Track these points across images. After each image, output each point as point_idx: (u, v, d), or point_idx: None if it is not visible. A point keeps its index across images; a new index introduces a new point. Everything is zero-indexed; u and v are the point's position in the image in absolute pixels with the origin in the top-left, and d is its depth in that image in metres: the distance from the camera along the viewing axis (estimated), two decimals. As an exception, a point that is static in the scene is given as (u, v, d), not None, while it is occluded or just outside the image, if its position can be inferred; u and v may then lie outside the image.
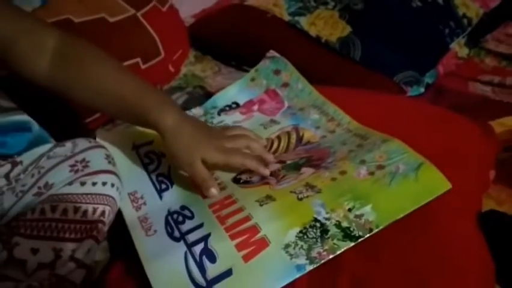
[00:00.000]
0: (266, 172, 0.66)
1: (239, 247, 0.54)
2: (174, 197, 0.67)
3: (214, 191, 0.64)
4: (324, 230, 0.55)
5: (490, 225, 0.64)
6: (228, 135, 0.69)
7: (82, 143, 0.65)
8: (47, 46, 0.65)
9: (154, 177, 0.70)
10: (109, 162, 0.63)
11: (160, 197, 0.67)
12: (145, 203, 0.66)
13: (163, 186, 0.69)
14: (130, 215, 0.64)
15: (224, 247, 0.55)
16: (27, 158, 0.64)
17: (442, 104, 1.00)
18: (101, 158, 0.63)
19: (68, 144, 0.64)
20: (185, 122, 0.65)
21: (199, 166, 0.64)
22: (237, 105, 0.86)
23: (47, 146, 0.65)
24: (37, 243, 0.55)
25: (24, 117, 0.70)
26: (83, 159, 0.62)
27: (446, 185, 0.60)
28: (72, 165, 0.61)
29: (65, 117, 0.87)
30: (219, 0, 1.49)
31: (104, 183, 0.61)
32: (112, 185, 0.61)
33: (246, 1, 1.24)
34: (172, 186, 0.68)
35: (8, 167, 0.63)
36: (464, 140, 0.77)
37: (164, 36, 1.03)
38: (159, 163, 0.73)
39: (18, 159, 0.64)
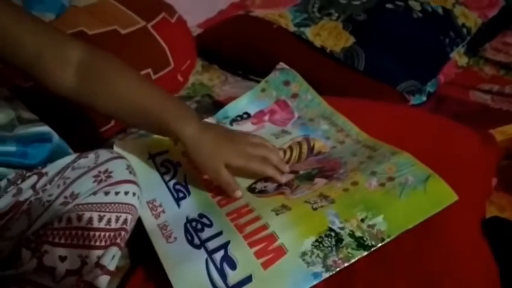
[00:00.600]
0: (283, 180, 0.70)
1: (258, 254, 0.57)
2: (192, 205, 0.69)
3: (239, 193, 0.69)
4: (339, 239, 0.58)
5: (493, 232, 0.67)
6: (250, 141, 0.72)
7: (104, 154, 0.67)
8: (71, 58, 0.67)
9: (171, 186, 0.73)
10: (130, 172, 0.66)
11: (178, 205, 0.70)
12: (163, 211, 0.69)
13: (181, 194, 0.71)
14: (150, 223, 0.67)
15: (244, 254, 0.58)
16: (52, 169, 0.66)
17: (443, 113, 1.03)
18: (123, 169, 0.65)
19: (91, 156, 0.67)
20: (206, 130, 0.68)
21: (223, 171, 0.67)
22: (248, 115, 0.89)
23: (71, 157, 0.68)
24: (65, 251, 0.58)
25: (44, 128, 0.73)
26: (106, 170, 0.64)
27: (453, 197, 0.63)
28: (96, 176, 0.64)
29: (81, 127, 0.90)
30: (222, 10, 1.52)
31: (126, 193, 0.63)
32: (134, 194, 0.64)
33: (252, 12, 1.26)
34: (189, 195, 0.71)
35: (34, 178, 0.65)
36: (467, 149, 0.80)
37: (174, 47, 1.06)
38: (175, 172, 0.75)
39: (43, 170, 0.66)
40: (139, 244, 0.68)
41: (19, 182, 0.64)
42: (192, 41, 1.17)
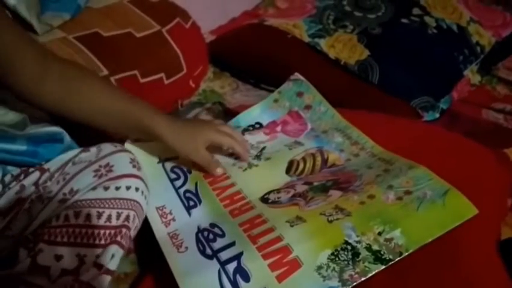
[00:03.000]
0: (248, 158, 0.78)
1: (272, 267, 0.57)
2: (203, 214, 0.69)
3: (220, 170, 0.74)
4: (356, 253, 0.58)
5: (509, 253, 0.66)
6: (215, 123, 0.79)
7: (107, 147, 0.66)
8: (53, 71, 0.65)
9: (181, 193, 0.72)
10: (134, 166, 0.65)
11: (189, 214, 0.69)
12: (174, 219, 0.68)
13: (191, 203, 0.71)
14: (160, 231, 0.66)
15: (257, 266, 0.57)
16: (54, 164, 0.66)
17: (456, 130, 1.03)
18: (126, 162, 0.64)
19: (93, 150, 0.66)
20: (175, 119, 0.74)
21: (203, 151, 0.73)
22: (260, 125, 0.88)
23: (73, 152, 0.67)
24: (61, 250, 0.57)
25: (56, 128, 0.72)
26: (107, 164, 0.63)
27: (473, 211, 0.63)
28: (96, 170, 0.63)
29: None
30: (234, 18, 1.52)
31: (128, 188, 0.62)
32: (137, 189, 0.63)
33: (266, 21, 1.27)
34: (200, 204, 0.71)
35: (36, 174, 0.64)
36: (483, 168, 0.80)
37: (187, 52, 1.06)
38: (186, 179, 0.75)
39: (45, 166, 0.65)
40: (148, 250, 0.67)
41: (22, 177, 0.63)
42: (205, 48, 1.17)
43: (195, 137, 0.72)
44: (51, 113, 0.71)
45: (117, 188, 0.61)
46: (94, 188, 0.61)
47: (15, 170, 0.66)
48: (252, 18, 1.44)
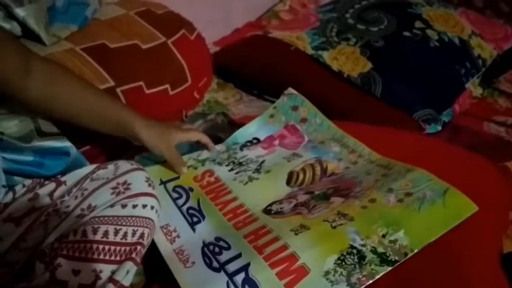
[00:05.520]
0: (214, 147, 0.87)
1: (280, 275, 0.59)
2: (207, 229, 0.71)
3: (185, 169, 0.81)
4: (361, 256, 0.60)
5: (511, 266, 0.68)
6: (179, 123, 0.89)
7: (124, 165, 0.69)
8: (34, 68, 0.68)
9: (184, 211, 0.75)
10: (149, 185, 0.68)
11: (193, 230, 0.71)
12: (178, 236, 0.70)
13: (195, 219, 0.73)
14: (165, 248, 0.68)
15: (265, 276, 0.59)
16: (70, 178, 0.68)
17: (458, 143, 1.06)
18: (142, 181, 0.67)
19: (110, 167, 0.69)
20: (149, 120, 0.79)
21: (173, 148, 0.80)
22: (258, 140, 0.91)
23: (90, 168, 0.70)
24: (78, 265, 0.59)
25: (64, 143, 0.75)
26: (125, 182, 0.66)
27: (473, 208, 0.66)
28: (114, 188, 0.65)
29: (97, 138, 0.91)
30: (238, 29, 1.54)
31: (144, 206, 0.65)
32: (152, 208, 0.65)
33: (270, 33, 1.29)
34: (204, 219, 0.73)
35: (52, 185, 0.67)
36: (484, 181, 0.82)
37: (192, 64, 1.09)
38: (188, 197, 0.77)
39: (62, 179, 0.68)
40: (154, 261, 0.68)
41: (37, 188, 0.65)
42: (210, 59, 1.20)
43: (166, 135, 0.78)
44: (35, 111, 0.74)
45: (134, 206, 0.64)
46: (112, 205, 0.63)
47: (24, 181, 0.68)
48: (255, 29, 1.47)
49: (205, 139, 0.85)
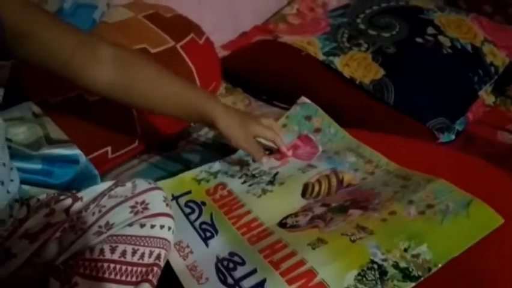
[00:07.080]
0: (287, 152, 0.86)
1: None
2: (221, 244, 0.70)
3: (266, 159, 0.83)
4: (383, 272, 0.59)
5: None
6: (260, 117, 0.87)
7: (142, 184, 0.68)
8: (103, 57, 0.70)
9: (197, 226, 0.74)
10: (167, 205, 0.67)
11: (207, 245, 0.70)
12: (191, 252, 0.69)
13: (208, 234, 0.72)
14: (178, 264, 0.67)
15: None
16: (87, 194, 0.67)
17: (472, 152, 1.04)
18: (160, 201, 0.66)
19: (129, 184, 0.68)
20: (229, 108, 0.81)
21: (252, 139, 0.81)
22: (271, 151, 0.90)
23: (107, 184, 0.69)
24: (95, 284, 0.58)
25: (73, 151, 0.74)
26: (143, 201, 0.65)
27: (498, 220, 0.64)
28: (132, 207, 0.64)
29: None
30: (244, 33, 1.53)
31: (162, 226, 0.64)
32: (169, 228, 0.65)
33: (280, 38, 1.28)
34: (217, 234, 0.72)
35: (68, 201, 0.66)
36: (499, 191, 0.80)
37: (201, 68, 1.08)
38: (200, 212, 0.76)
39: (78, 195, 0.67)
40: (166, 278, 0.67)
41: (53, 203, 0.64)
42: (219, 63, 1.19)
43: (244, 126, 0.79)
44: (108, 98, 0.75)
45: (152, 226, 0.63)
46: (130, 224, 0.62)
47: (41, 195, 0.67)
48: (262, 33, 1.47)
49: (279, 142, 0.85)
